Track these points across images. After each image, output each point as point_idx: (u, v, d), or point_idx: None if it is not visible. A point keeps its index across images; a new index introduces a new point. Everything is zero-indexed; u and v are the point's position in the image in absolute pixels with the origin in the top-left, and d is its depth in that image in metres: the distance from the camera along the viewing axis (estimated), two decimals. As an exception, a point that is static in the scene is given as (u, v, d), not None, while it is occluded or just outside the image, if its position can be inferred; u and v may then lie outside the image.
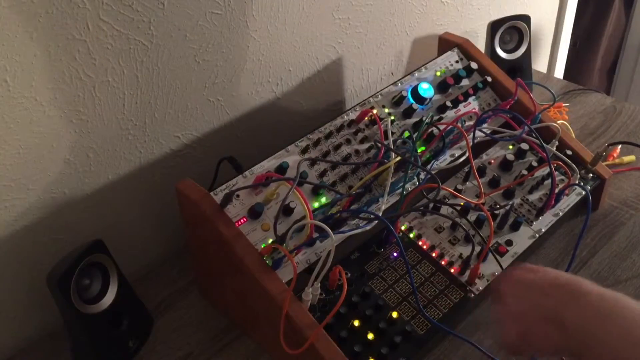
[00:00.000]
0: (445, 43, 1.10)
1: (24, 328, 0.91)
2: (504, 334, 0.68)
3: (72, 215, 0.90)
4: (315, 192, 0.87)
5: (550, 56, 1.72)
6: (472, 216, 0.93)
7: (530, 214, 0.97)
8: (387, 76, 1.27)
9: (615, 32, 2.16)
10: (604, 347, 0.58)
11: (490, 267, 0.90)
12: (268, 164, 0.87)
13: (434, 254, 0.92)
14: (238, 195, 0.83)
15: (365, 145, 0.94)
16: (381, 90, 0.99)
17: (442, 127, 0.96)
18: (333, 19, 1.08)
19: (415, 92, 0.99)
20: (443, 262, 0.91)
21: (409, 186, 0.91)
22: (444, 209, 0.94)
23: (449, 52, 1.07)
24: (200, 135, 1.00)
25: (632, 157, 1.17)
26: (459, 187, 0.98)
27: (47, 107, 0.79)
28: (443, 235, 0.94)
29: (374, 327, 0.82)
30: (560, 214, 0.99)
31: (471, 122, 1.01)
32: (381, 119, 0.95)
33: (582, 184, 1.00)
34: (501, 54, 1.37)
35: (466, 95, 1.04)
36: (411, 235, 0.93)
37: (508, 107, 1.03)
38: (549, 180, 0.99)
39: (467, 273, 0.89)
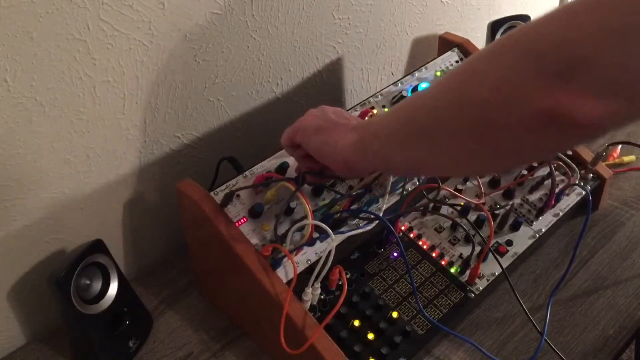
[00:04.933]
0: (445, 43, 1.10)
1: (24, 328, 0.91)
2: (299, 121, 0.77)
3: (72, 215, 0.90)
4: (316, 192, 0.87)
5: (550, 56, 1.71)
6: (472, 216, 0.94)
7: (530, 214, 0.97)
8: (387, 76, 1.27)
9: (615, 32, 2.16)
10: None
11: (490, 267, 0.90)
12: (268, 164, 0.87)
13: (434, 254, 0.92)
14: (238, 195, 0.83)
15: (365, 145, 0.94)
16: (381, 90, 0.99)
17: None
18: (333, 19, 1.08)
19: (415, 92, 0.99)
20: (443, 262, 0.91)
21: (409, 186, 0.91)
22: (444, 209, 0.95)
23: (449, 52, 1.07)
24: (200, 135, 1.00)
25: (632, 157, 1.17)
26: (459, 187, 0.98)
27: (47, 107, 0.79)
28: (443, 235, 0.94)
29: (374, 327, 0.82)
30: (560, 214, 0.99)
31: (471, 122, 1.01)
32: (381, 119, 0.95)
33: (582, 184, 1.00)
34: (501, 54, 1.36)
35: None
36: (411, 235, 0.93)
37: (508, 107, 1.02)
38: (549, 180, 0.99)
39: (467, 273, 0.89)
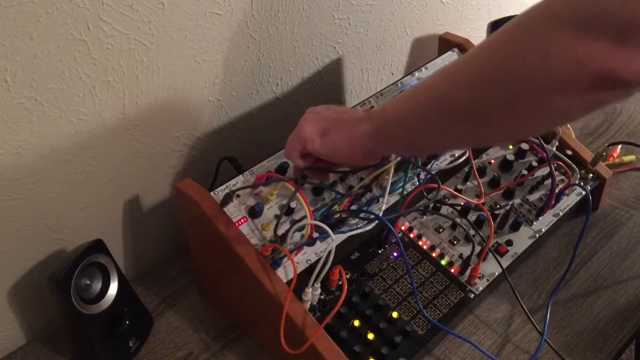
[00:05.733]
0: (445, 43, 1.10)
1: (24, 328, 0.91)
2: (302, 130, 0.74)
3: (72, 215, 0.90)
4: (316, 192, 0.87)
5: (550, 56, 1.71)
6: (472, 216, 0.94)
7: (530, 214, 0.98)
8: (387, 76, 1.27)
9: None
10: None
11: (490, 267, 0.90)
12: (268, 164, 0.87)
13: (434, 254, 0.92)
14: (238, 195, 0.83)
15: (366, 145, 0.94)
16: (381, 90, 0.99)
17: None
18: (333, 19, 1.08)
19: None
20: (443, 262, 0.91)
21: (409, 186, 0.91)
22: (444, 209, 0.95)
23: (449, 52, 1.07)
24: (200, 135, 1.00)
25: (632, 157, 1.17)
26: (459, 187, 0.98)
27: (47, 107, 0.79)
28: (443, 235, 0.94)
29: (374, 327, 0.82)
30: (560, 214, 0.99)
31: (471, 122, 1.01)
32: (381, 119, 0.95)
33: (582, 184, 1.00)
34: (501, 54, 1.37)
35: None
36: (411, 235, 0.93)
37: (508, 107, 1.02)
38: (549, 180, 0.99)
39: (467, 273, 0.89)
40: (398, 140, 0.68)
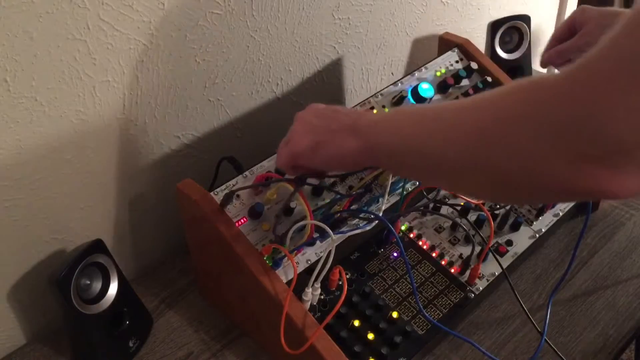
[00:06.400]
0: (445, 43, 1.10)
1: (24, 328, 0.91)
2: (293, 144, 0.72)
3: (72, 215, 0.90)
4: (316, 192, 0.87)
5: (550, 56, 1.71)
6: (472, 216, 0.93)
7: (530, 214, 0.97)
8: (387, 76, 1.27)
9: (615, 32, 2.16)
10: (389, 135, 0.63)
11: (490, 267, 0.90)
12: (268, 164, 0.87)
13: (434, 254, 0.92)
14: (238, 195, 0.83)
15: (366, 145, 0.94)
16: (381, 90, 0.99)
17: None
18: (333, 19, 1.08)
19: (415, 92, 0.99)
20: (443, 262, 0.91)
21: (409, 186, 0.91)
22: (444, 209, 0.94)
23: (449, 52, 1.07)
24: (200, 135, 1.00)
25: (632, 157, 1.17)
26: (459, 187, 0.98)
27: (47, 107, 0.79)
28: (443, 235, 0.94)
29: (374, 327, 0.82)
30: (560, 214, 0.99)
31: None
32: (381, 119, 0.95)
33: (582, 184, 1.00)
34: (501, 54, 1.37)
35: (466, 96, 1.04)
36: (411, 235, 0.93)
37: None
38: (549, 180, 0.99)
39: (467, 273, 0.89)
40: (386, 166, 0.70)
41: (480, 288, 0.89)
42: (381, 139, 0.64)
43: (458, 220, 0.93)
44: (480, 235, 0.91)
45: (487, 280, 0.89)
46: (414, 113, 0.62)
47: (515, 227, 0.95)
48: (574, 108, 0.44)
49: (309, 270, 0.79)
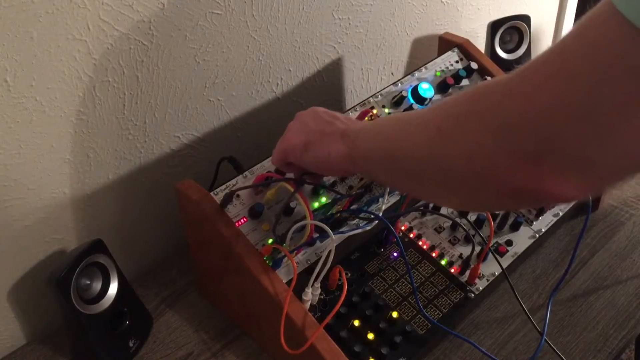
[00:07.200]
0: (445, 43, 1.10)
1: (24, 328, 0.91)
2: (285, 140, 0.76)
3: (72, 215, 0.90)
4: (315, 192, 0.87)
5: (550, 56, 1.71)
6: (472, 216, 0.94)
7: (530, 214, 0.97)
8: (387, 76, 1.27)
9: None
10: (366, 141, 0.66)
11: (490, 267, 0.90)
12: (268, 164, 0.87)
13: (433, 254, 0.92)
14: (238, 195, 0.83)
15: (365, 145, 0.94)
16: (381, 90, 0.99)
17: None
18: (333, 19, 1.08)
19: (415, 92, 0.99)
20: (443, 262, 0.91)
21: (409, 186, 0.91)
22: (444, 209, 0.94)
23: (449, 52, 1.07)
24: (200, 135, 1.00)
25: (632, 157, 1.17)
26: (459, 187, 0.98)
27: (47, 107, 0.79)
28: (443, 235, 0.94)
29: (374, 327, 0.82)
30: (560, 214, 0.99)
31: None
32: (381, 119, 0.95)
33: (582, 184, 1.00)
34: (501, 54, 1.37)
35: (466, 95, 1.04)
36: (411, 235, 0.93)
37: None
38: (549, 180, 0.99)
39: (467, 273, 0.89)
40: (364, 170, 0.70)
41: (480, 288, 0.89)
42: (361, 144, 0.67)
43: (458, 220, 0.93)
44: (480, 235, 0.91)
45: (487, 280, 0.90)
46: (396, 119, 0.65)
47: (515, 227, 0.95)
48: (518, 105, 0.45)
49: (309, 270, 0.79)
